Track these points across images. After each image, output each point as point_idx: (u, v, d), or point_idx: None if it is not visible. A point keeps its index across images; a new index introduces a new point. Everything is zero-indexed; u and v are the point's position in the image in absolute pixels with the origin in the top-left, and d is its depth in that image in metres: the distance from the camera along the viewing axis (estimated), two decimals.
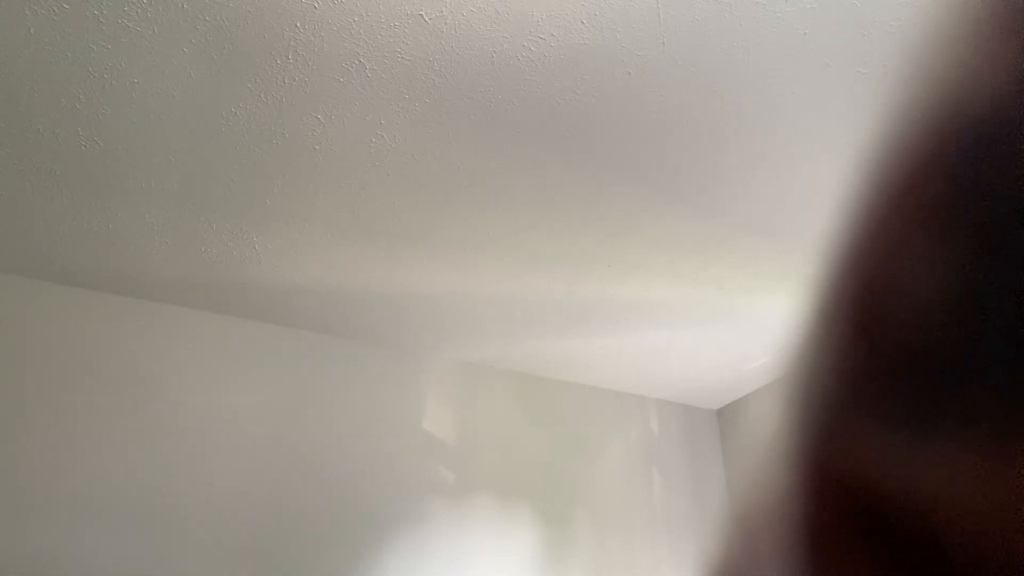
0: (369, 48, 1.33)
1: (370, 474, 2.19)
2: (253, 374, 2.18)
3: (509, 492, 2.36)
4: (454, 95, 1.43)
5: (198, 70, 1.38)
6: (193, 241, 1.86)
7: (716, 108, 1.46)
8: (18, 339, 1.93)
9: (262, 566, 1.95)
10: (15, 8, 1.25)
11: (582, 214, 1.77)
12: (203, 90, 1.42)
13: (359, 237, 1.85)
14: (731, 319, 2.24)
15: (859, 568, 0.12)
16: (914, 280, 0.11)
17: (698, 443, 2.81)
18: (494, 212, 1.77)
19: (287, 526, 2.03)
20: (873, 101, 1.41)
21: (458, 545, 2.21)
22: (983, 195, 0.11)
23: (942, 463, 0.11)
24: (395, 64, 1.36)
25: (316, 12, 1.26)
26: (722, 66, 1.37)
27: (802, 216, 1.77)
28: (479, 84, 1.40)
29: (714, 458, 2.81)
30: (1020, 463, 0.10)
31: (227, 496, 1.99)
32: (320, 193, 1.70)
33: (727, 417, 2.87)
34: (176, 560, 1.88)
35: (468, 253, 1.92)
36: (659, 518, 2.57)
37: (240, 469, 2.04)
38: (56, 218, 1.76)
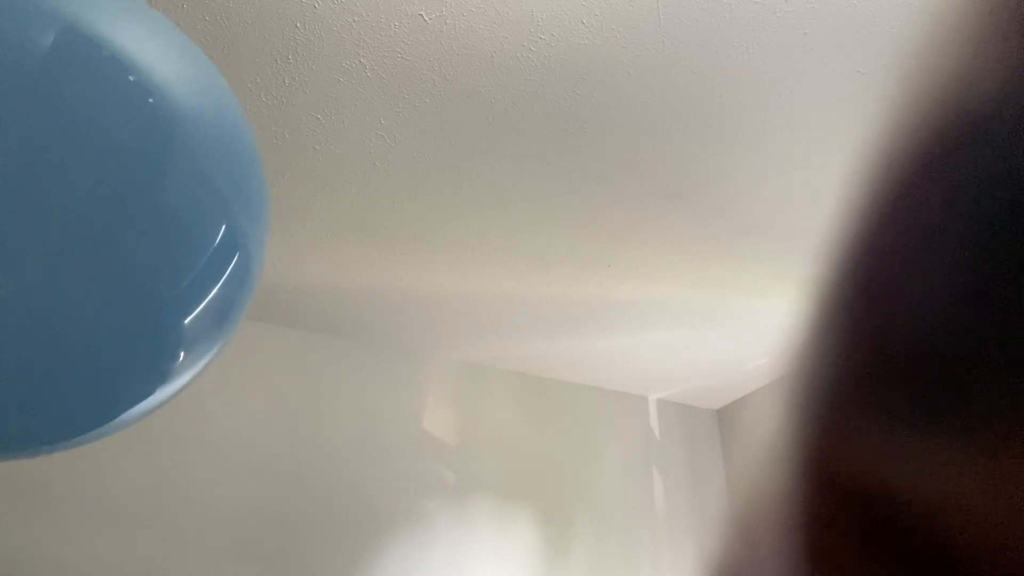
0: (369, 48, 1.33)
1: (370, 474, 2.19)
2: (253, 374, 2.18)
3: (509, 492, 2.35)
4: (454, 95, 1.43)
5: None
6: None
7: (716, 108, 1.46)
8: None
9: (261, 565, 1.95)
10: None
11: (582, 214, 1.77)
12: None
13: (359, 237, 1.85)
14: (731, 319, 2.24)
15: (859, 569, 0.12)
16: (914, 280, 0.11)
17: (698, 443, 2.81)
18: (494, 212, 1.77)
19: (286, 526, 2.03)
20: (873, 101, 1.41)
21: (458, 545, 2.20)
22: (983, 195, 0.11)
23: (943, 463, 0.11)
24: (395, 64, 1.36)
25: (316, 12, 1.26)
26: (722, 66, 1.37)
27: (802, 216, 1.77)
28: (479, 84, 1.40)
29: (714, 458, 2.81)
30: (1022, 463, 0.10)
31: (226, 496, 1.99)
32: (320, 193, 1.70)
33: (727, 417, 2.87)
34: (176, 559, 1.88)
35: (468, 253, 1.92)
36: (659, 518, 2.57)
37: (239, 469, 2.04)
38: None
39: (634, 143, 1.55)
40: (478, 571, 2.19)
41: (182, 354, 0.65)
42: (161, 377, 0.66)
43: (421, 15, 1.27)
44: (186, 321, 0.62)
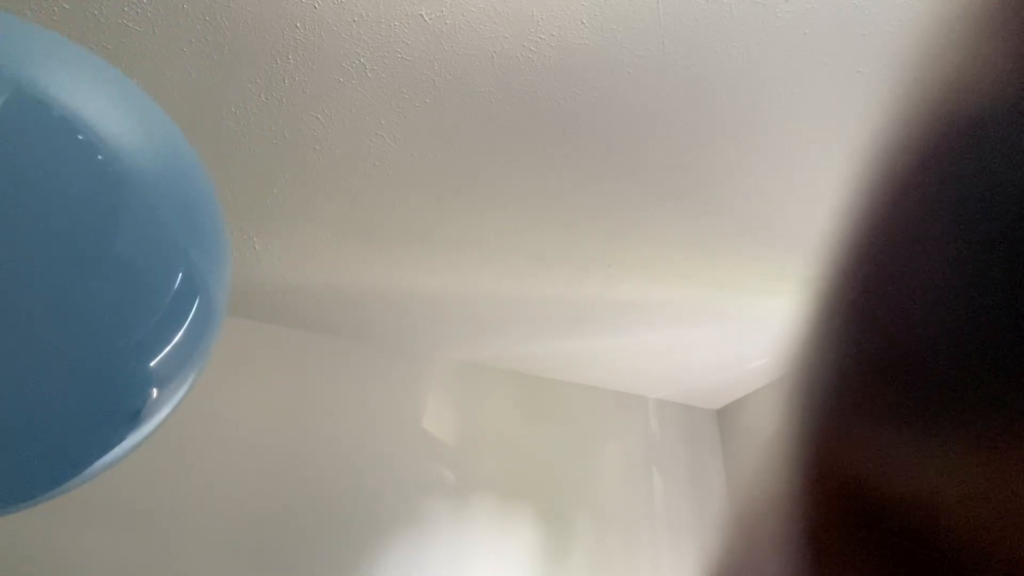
0: (369, 48, 1.33)
1: (370, 474, 2.19)
2: (253, 374, 2.18)
3: (509, 492, 2.35)
4: (454, 95, 1.43)
5: (198, 70, 1.38)
6: None
7: (716, 108, 1.46)
8: None
9: (262, 566, 1.95)
10: (15, 9, 1.25)
11: (582, 214, 1.77)
12: (203, 90, 1.42)
13: (359, 237, 1.85)
14: (731, 319, 2.24)
15: (859, 568, 0.12)
16: (914, 280, 0.11)
17: (698, 443, 2.81)
18: (494, 212, 1.77)
19: (287, 526, 2.03)
20: (873, 101, 1.41)
21: (458, 545, 2.20)
22: (983, 195, 0.11)
23: (943, 463, 0.11)
24: (395, 64, 1.36)
25: (316, 12, 1.26)
26: (722, 66, 1.37)
27: (802, 216, 1.77)
28: (479, 84, 1.40)
29: (714, 458, 2.81)
30: (1021, 463, 0.10)
31: (226, 496, 1.99)
32: (320, 193, 1.70)
33: (727, 417, 2.87)
34: (176, 559, 1.88)
35: (468, 253, 1.92)
36: (659, 518, 2.57)
37: (240, 469, 2.04)
38: None
39: (634, 143, 1.55)
40: (478, 571, 2.19)
41: (148, 399, 0.67)
42: (130, 424, 0.67)
43: (421, 15, 1.27)
44: (151, 366, 0.64)
